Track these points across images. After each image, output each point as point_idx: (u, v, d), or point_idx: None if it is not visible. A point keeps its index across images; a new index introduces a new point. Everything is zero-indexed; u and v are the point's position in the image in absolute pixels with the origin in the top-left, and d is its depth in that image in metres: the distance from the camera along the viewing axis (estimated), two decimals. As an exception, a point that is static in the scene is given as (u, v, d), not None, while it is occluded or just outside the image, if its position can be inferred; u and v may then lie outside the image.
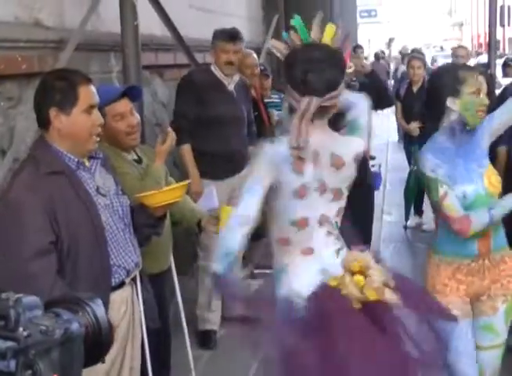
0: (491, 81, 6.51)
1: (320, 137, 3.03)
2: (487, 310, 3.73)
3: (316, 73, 2.93)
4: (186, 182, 3.67)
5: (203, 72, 5.70)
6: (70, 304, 1.53)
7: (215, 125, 5.38)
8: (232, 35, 5.49)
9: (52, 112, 2.99)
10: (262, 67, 7.19)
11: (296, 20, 3.03)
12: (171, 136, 3.95)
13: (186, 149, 5.39)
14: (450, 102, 3.58)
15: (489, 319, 3.73)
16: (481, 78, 6.45)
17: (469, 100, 3.57)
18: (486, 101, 3.63)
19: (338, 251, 3.11)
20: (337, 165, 3.05)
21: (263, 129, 6.37)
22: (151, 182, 3.72)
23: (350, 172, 3.14)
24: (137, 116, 3.88)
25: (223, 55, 5.45)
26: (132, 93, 3.88)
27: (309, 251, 3.10)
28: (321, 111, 2.99)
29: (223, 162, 5.44)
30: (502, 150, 5.35)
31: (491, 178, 3.64)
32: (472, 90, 3.60)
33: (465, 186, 3.57)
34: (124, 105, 3.81)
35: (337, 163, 3.05)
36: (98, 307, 1.53)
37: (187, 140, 5.32)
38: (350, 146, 3.13)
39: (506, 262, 3.73)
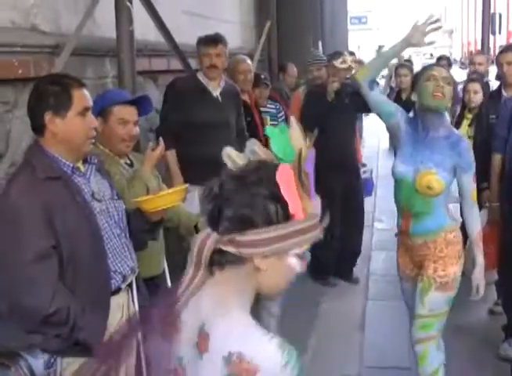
0: (486, 89, 6.53)
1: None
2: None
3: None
4: (184, 186, 3.68)
5: (189, 78, 5.74)
6: (1, 357, 1.32)
7: (199, 131, 5.41)
8: (212, 39, 5.54)
9: (47, 116, 2.99)
10: (263, 76, 7.21)
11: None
12: (162, 146, 4.00)
13: (170, 154, 5.42)
14: (413, 95, 4.13)
15: None
16: (477, 85, 6.48)
17: (421, 86, 4.03)
18: (440, 84, 3.99)
19: None
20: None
21: (256, 135, 6.37)
22: (140, 185, 3.75)
23: None
24: (137, 129, 3.93)
25: (205, 59, 5.50)
26: (142, 106, 3.93)
27: None
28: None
29: (206, 168, 5.42)
30: (496, 157, 5.35)
31: (422, 179, 4.02)
32: (425, 78, 4.04)
33: (399, 163, 4.13)
34: (132, 113, 3.87)
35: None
36: (35, 359, 1.32)
37: (171, 146, 5.35)
38: None
39: (429, 248, 4.16)
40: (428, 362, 4.11)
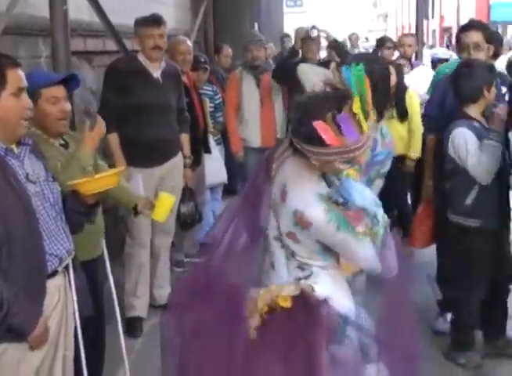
0: (400, 72, 6.53)
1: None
2: None
3: None
4: (120, 168, 3.65)
5: (129, 60, 5.68)
6: None
7: (140, 113, 5.38)
8: (154, 20, 5.48)
9: None
10: (203, 60, 7.17)
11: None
12: (100, 123, 3.91)
13: (112, 138, 5.38)
14: None
15: None
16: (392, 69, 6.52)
17: None
18: None
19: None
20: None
21: (194, 117, 6.34)
22: (75, 169, 3.67)
23: None
24: (69, 105, 3.85)
25: (149, 40, 5.42)
26: (69, 82, 3.84)
27: None
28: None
29: (149, 150, 5.43)
30: (430, 139, 5.42)
31: None
32: None
33: None
34: (60, 90, 3.77)
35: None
36: None
37: (113, 129, 5.30)
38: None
39: None
40: None
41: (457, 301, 4.97)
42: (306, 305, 2.99)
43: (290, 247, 3.10)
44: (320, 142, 2.86)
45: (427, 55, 10.84)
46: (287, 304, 2.96)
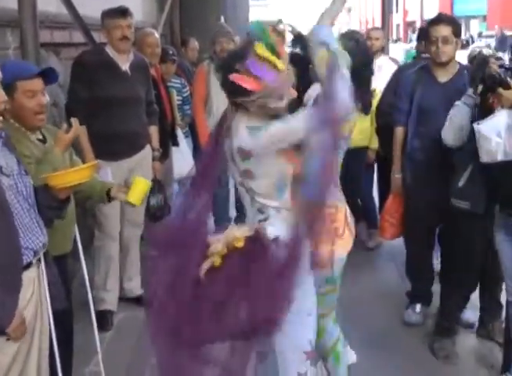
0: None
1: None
2: None
3: None
4: (93, 162, 3.63)
5: (97, 53, 5.63)
6: None
7: (109, 106, 5.34)
8: (120, 11, 5.45)
9: None
10: (171, 52, 7.15)
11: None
12: (76, 126, 3.87)
13: (81, 131, 5.28)
14: None
15: None
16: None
17: None
18: None
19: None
20: None
21: (162, 109, 6.32)
22: (47, 168, 3.61)
23: None
24: (47, 97, 3.80)
25: (116, 31, 5.39)
26: (46, 76, 3.79)
27: None
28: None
29: (118, 143, 5.41)
30: (398, 130, 5.44)
31: None
32: None
33: None
34: (38, 84, 3.70)
35: None
36: None
37: (82, 122, 5.21)
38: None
39: None
40: (327, 335, 4.10)
41: (453, 284, 5.07)
42: (258, 243, 3.23)
43: (252, 187, 3.36)
44: (244, 91, 3.14)
45: (403, 50, 10.93)
46: (241, 244, 3.19)
